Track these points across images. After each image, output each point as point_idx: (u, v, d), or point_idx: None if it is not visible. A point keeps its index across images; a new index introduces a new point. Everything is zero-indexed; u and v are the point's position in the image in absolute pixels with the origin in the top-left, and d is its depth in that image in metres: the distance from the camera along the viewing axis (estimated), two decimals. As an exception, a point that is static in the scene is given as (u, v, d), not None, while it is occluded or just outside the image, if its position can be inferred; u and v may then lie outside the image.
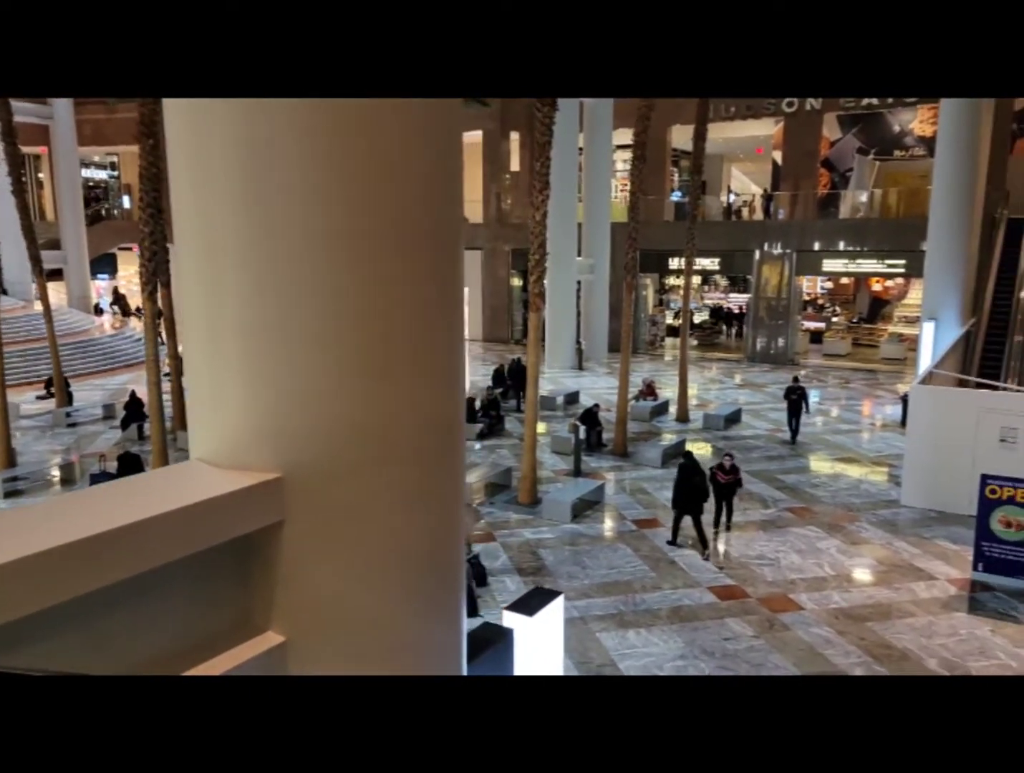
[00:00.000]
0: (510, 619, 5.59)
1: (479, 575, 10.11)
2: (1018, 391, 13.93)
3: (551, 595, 5.94)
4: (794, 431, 16.95)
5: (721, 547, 11.42)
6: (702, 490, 11.16)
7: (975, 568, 10.42)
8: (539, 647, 5.76)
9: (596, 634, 8.94)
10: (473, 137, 31.80)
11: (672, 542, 11.36)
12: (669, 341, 30.24)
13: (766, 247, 26.09)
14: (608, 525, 12.31)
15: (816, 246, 25.35)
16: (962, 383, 14.96)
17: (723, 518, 11.95)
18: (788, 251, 25.70)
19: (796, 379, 17.41)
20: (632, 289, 15.61)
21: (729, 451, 12.74)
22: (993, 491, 10.20)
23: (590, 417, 16.25)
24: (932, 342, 18.99)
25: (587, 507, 12.94)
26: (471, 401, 17.62)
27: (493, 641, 5.19)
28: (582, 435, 14.66)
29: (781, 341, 26.35)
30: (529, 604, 5.80)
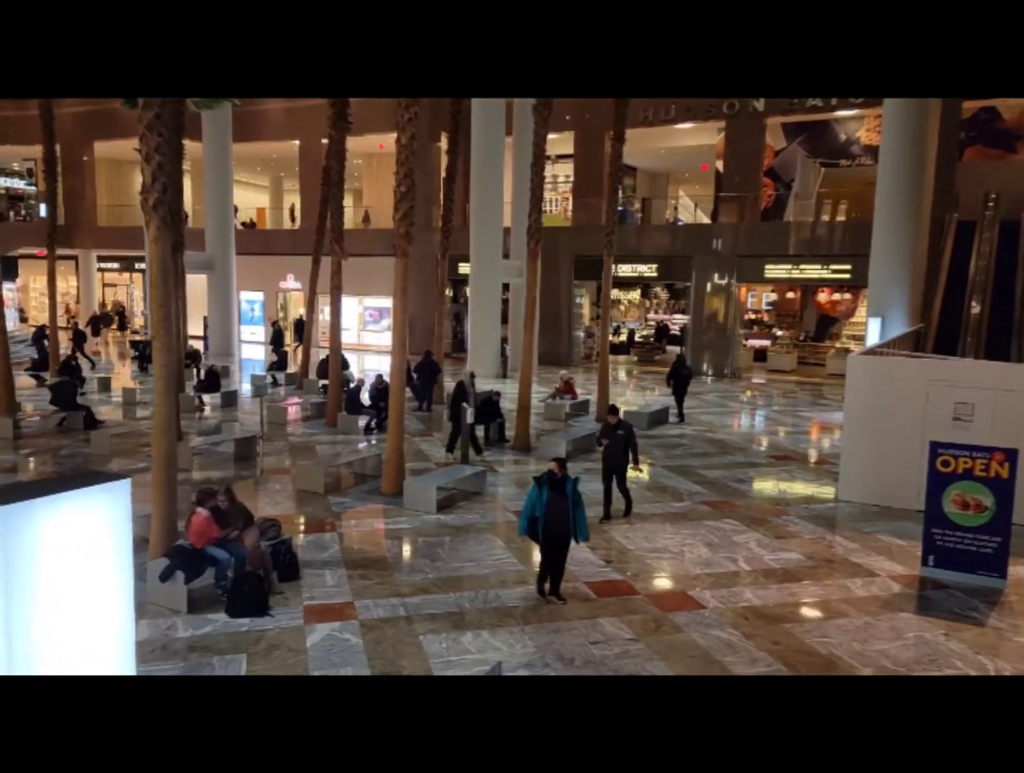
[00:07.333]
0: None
1: (287, 567, 7.73)
2: (973, 360, 11.98)
3: (112, 477, 3.53)
4: (623, 496, 9.88)
5: (617, 538, 9.15)
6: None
7: (924, 563, 8.29)
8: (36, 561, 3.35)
9: (419, 636, 6.57)
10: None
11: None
12: (607, 357, 28.15)
13: (706, 252, 24.30)
14: (481, 516, 9.98)
15: (758, 251, 23.64)
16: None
17: None
18: (728, 259, 23.95)
19: (614, 410, 10.14)
20: (536, 257, 13.51)
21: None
22: (946, 463, 8.11)
23: (489, 407, 14.01)
24: (879, 338, 17.17)
25: (464, 498, 10.62)
26: (357, 389, 15.28)
27: None
28: (470, 419, 12.37)
29: (723, 354, 24.43)
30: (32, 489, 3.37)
